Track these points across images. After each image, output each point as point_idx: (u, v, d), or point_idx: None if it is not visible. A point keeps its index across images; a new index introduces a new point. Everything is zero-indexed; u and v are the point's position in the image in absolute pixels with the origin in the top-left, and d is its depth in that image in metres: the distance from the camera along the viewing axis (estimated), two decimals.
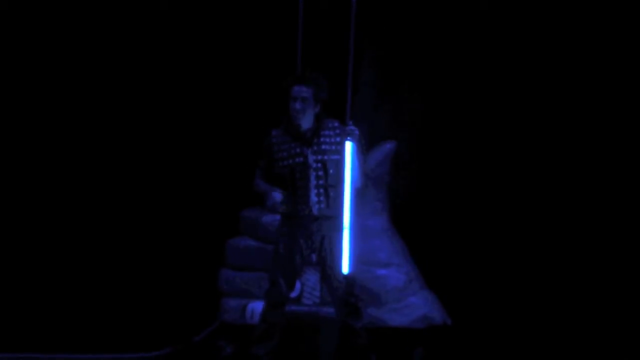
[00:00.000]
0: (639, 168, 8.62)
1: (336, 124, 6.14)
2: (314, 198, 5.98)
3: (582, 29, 8.56)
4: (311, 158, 5.99)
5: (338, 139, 6.05)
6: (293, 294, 7.80)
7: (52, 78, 8.40)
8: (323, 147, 6.02)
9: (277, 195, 5.98)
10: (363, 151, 6.15)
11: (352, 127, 6.03)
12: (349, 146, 6.00)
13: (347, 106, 6.43)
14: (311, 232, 6.05)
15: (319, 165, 5.99)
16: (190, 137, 8.44)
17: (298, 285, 7.78)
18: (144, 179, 8.43)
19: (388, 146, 8.10)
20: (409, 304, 7.83)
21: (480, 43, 8.62)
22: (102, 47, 8.43)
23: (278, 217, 6.50)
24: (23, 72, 8.35)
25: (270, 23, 8.32)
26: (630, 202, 8.65)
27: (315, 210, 5.99)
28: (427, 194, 8.24)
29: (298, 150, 5.98)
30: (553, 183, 8.75)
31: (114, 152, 8.48)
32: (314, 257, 6.14)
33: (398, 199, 8.21)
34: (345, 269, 6.06)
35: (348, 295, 6.10)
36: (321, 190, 5.99)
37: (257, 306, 7.41)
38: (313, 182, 5.96)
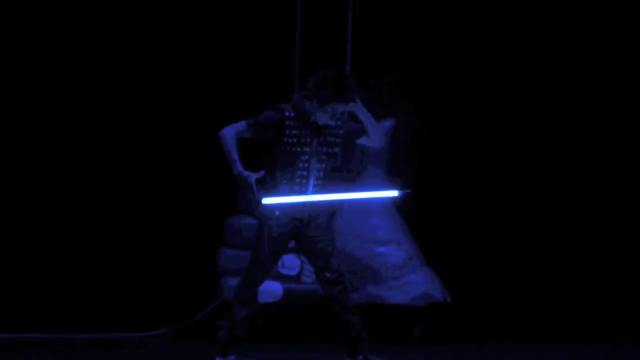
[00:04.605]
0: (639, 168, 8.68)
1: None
2: (311, 188, 5.96)
3: (580, 28, 8.59)
4: (317, 149, 5.95)
5: (342, 132, 6.01)
6: (292, 272, 7.81)
7: (41, 80, 8.39)
8: (329, 138, 5.97)
9: (259, 194, 5.85)
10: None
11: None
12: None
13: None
14: (304, 218, 6.02)
15: (323, 157, 5.95)
16: (189, 122, 8.42)
17: (298, 263, 7.77)
18: (144, 160, 8.43)
19: (387, 123, 8.07)
20: (409, 281, 7.81)
21: (481, 20, 8.61)
22: (97, 55, 8.43)
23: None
24: (20, 72, 8.35)
25: (268, 25, 8.31)
26: (625, 201, 8.71)
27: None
28: (427, 171, 8.23)
29: (308, 140, 5.93)
30: (549, 162, 8.76)
31: (113, 137, 8.48)
32: (292, 242, 6.10)
33: (397, 176, 8.18)
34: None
35: (336, 272, 6.03)
36: (319, 181, 5.97)
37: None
38: (314, 172, 5.93)
